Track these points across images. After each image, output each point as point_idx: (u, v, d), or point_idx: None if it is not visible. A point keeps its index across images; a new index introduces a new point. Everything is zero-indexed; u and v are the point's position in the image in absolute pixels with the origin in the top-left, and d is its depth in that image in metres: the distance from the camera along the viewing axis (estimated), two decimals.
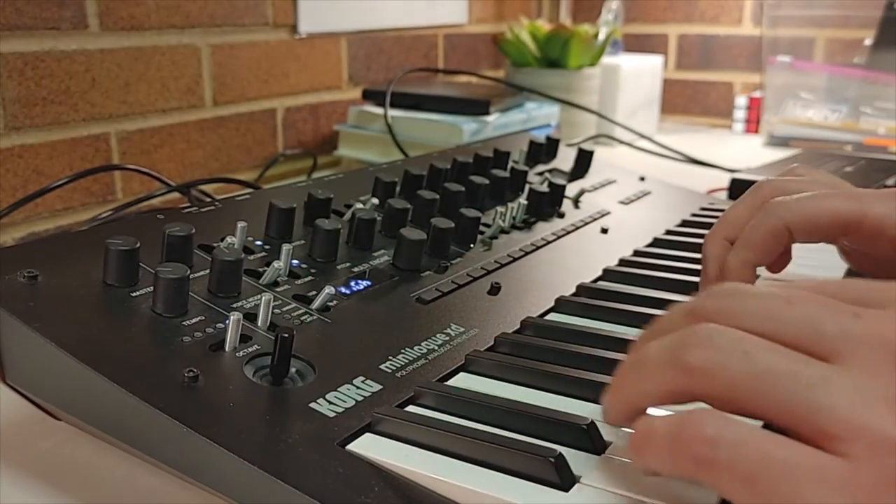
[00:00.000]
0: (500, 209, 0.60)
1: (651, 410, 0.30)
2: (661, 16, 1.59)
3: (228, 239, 0.47)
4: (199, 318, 0.39)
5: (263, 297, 0.40)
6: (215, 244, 0.46)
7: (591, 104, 1.26)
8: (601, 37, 1.26)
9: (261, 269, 0.45)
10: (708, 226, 0.69)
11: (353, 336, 0.42)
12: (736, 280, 0.38)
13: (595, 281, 0.55)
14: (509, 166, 0.70)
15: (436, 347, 0.42)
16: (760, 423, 0.26)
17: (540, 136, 0.80)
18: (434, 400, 0.36)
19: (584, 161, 0.79)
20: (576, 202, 0.70)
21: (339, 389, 0.36)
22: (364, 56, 1.20)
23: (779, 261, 0.48)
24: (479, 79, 1.33)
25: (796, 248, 0.47)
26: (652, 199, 0.76)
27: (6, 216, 0.70)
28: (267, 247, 0.49)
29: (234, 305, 0.41)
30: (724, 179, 0.92)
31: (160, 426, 0.33)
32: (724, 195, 0.86)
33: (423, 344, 0.42)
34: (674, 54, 1.59)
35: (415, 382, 0.38)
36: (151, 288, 0.40)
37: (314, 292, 0.44)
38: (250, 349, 0.38)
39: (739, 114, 1.44)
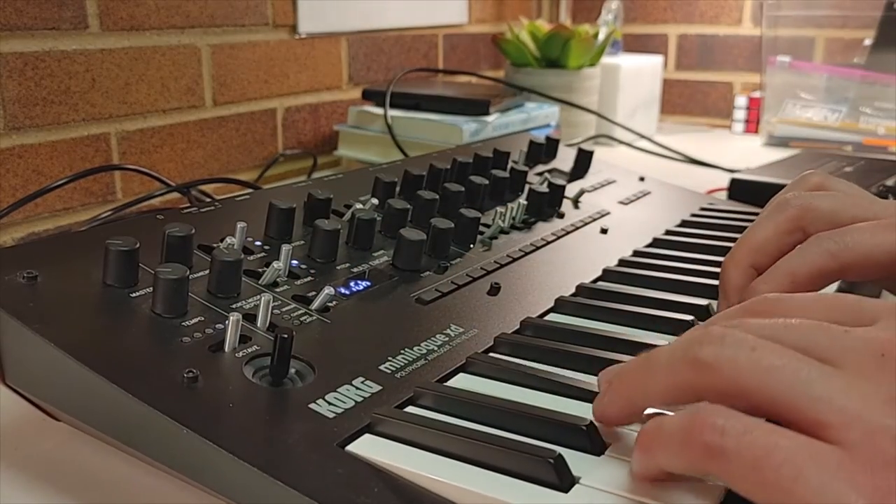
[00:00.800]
0: (499, 209, 0.60)
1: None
2: (660, 16, 1.59)
3: (228, 239, 0.47)
4: (198, 318, 0.39)
5: (263, 298, 0.40)
6: (215, 245, 0.46)
7: (590, 104, 1.26)
8: (601, 37, 1.26)
9: (260, 270, 0.45)
10: (708, 226, 0.69)
11: (353, 337, 0.42)
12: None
13: (595, 281, 0.55)
14: (509, 166, 0.70)
15: (435, 348, 0.42)
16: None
17: (540, 136, 0.80)
18: (433, 401, 0.36)
19: (583, 161, 0.79)
20: (575, 202, 0.70)
21: (338, 390, 0.36)
22: (364, 56, 1.20)
23: None
24: (478, 79, 1.33)
25: None
26: (652, 199, 0.76)
27: (6, 216, 0.70)
28: (266, 247, 0.49)
29: (234, 306, 0.41)
30: (723, 179, 0.92)
31: (159, 427, 0.33)
32: (723, 195, 0.86)
33: (422, 344, 0.42)
34: (673, 54, 1.59)
35: (414, 383, 0.38)
36: (151, 288, 0.40)
37: (314, 293, 0.44)
38: (250, 350, 0.38)
39: (739, 114, 1.44)
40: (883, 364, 0.26)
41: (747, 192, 0.84)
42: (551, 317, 0.49)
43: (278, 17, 1.04)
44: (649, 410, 0.31)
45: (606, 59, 1.32)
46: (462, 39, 1.42)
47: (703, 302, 0.49)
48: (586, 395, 0.37)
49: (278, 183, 0.90)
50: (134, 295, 0.40)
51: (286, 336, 0.36)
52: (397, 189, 0.60)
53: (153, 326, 0.38)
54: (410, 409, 0.36)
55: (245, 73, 1.01)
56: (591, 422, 0.33)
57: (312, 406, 0.35)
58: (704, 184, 0.93)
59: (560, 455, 0.31)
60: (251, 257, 0.47)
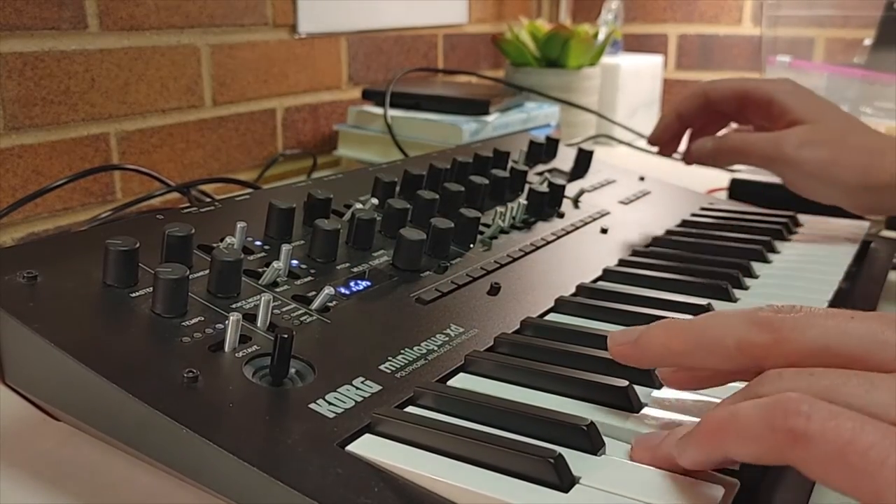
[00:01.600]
0: (499, 209, 0.60)
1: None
2: (660, 16, 1.59)
3: (228, 239, 0.47)
4: (198, 318, 0.39)
5: (263, 298, 0.40)
6: (215, 244, 0.46)
7: (590, 104, 1.26)
8: (601, 37, 1.26)
9: (260, 270, 0.45)
10: (708, 226, 0.69)
11: (353, 336, 0.42)
12: None
13: (595, 281, 0.55)
14: (509, 166, 0.70)
15: (435, 348, 0.42)
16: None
17: (540, 136, 0.80)
18: (433, 401, 0.36)
19: (583, 161, 0.79)
20: (575, 202, 0.70)
21: (338, 390, 0.36)
22: (364, 56, 1.20)
23: None
24: (478, 79, 1.33)
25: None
26: (652, 199, 0.76)
27: (6, 216, 0.70)
28: (266, 247, 0.49)
29: (234, 306, 0.41)
30: (723, 179, 0.92)
31: (159, 426, 0.33)
32: (724, 195, 0.86)
33: (422, 344, 0.42)
34: (673, 54, 1.59)
35: (414, 383, 0.38)
36: (151, 288, 0.40)
37: (314, 293, 0.44)
38: (250, 350, 0.38)
39: None
40: None
41: (747, 191, 0.84)
42: (551, 317, 0.49)
43: (278, 16, 1.04)
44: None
45: (606, 59, 1.32)
46: (462, 39, 1.42)
47: (703, 302, 0.49)
48: (586, 395, 0.37)
49: (278, 183, 0.90)
50: (134, 295, 0.40)
51: (286, 336, 0.36)
52: (397, 189, 0.60)
53: (153, 326, 0.38)
54: (410, 408, 0.36)
55: (245, 72, 1.01)
56: (592, 422, 0.33)
57: (312, 406, 0.35)
58: (704, 183, 0.93)
59: (560, 455, 0.31)
60: (251, 257, 0.47)
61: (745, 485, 0.31)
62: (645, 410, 0.37)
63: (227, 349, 0.37)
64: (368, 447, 0.33)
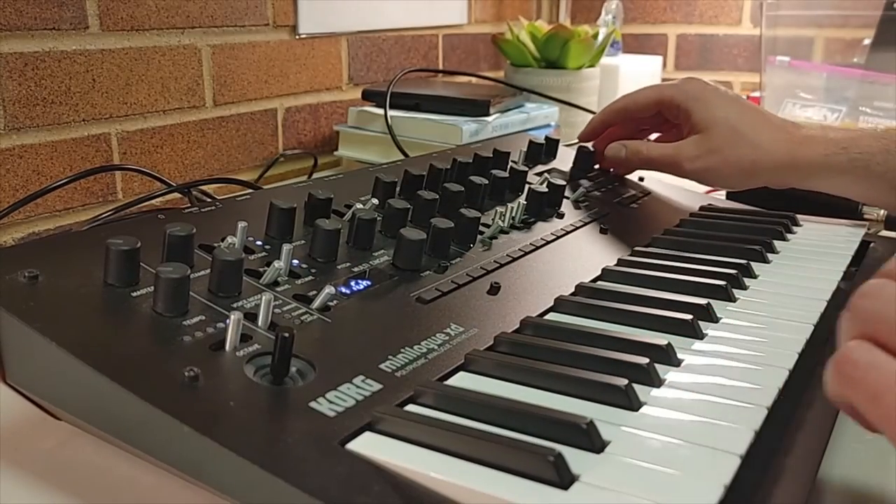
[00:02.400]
0: (499, 209, 0.60)
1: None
2: (660, 16, 1.59)
3: (229, 239, 0.47)
4: (199, 317, 0.39)
5: (264, 297, 0.40)
6: (216, 244, 0.47)
7: (590, 104, 1.26)
8: (600, 37, 1.27)
9: (261, 269, 0.45)
10: (707, 225, 0.69)
11: (353, 336, 0.42)
12: None
13: (594, 281, 0.55)
14: (509, 166, 0.70)
15: (435, 347, 0.42)
16: None
17: (539, 136, 0.80)
18: (434, 399, 0.36)
19: (583, 161, 0.79)
20: (575, 202, 0.70)
21: (339, 389, 0.36)
22: (364, 56, 1.20)
23: None
24: (478, 79, 1.33)
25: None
26: (651, 199, 0.77)
27: (6, 216, 0.70)
28: (267, 247, 0.49)
29: (235, 305, 0.42)
30: None
31: (160, 425, 0.33)
32: (723, 195, 0.86)
33: (422, 343, 0.42)
34: (673, 54, 1.59)
35: (415, 382, 0.38)
36: (152, 288, 0.40)
37: (314, 292, 0.44)
38: (251, 349, 0.38)
39: None
40: None
41: (746, 192, 0.84)
42: (551, 316, 0.49)
43: (278, 17, 1.04)
44: None
45: (606, 60, 1.32)
46: (462, 40, 1.42)
47: (702, 301, 0.49)
48: (586, 394, 0.38)
49: (279, 183, 0.90)
50: (135, 294, 0.40)
51: (287, 335, 0.36)
52: (397, 189, 0.60)
53: (154, 325, 0.38)
54: (411, 407, 0.36)
55: (245, 73, 1.01)
56: (591, 420, 0.33)
57: (313, 404, 0.35)
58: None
59: (560, 453, 0.31)
60: (252, 257, 0.47)
61: (746, 485, 0.32)
62: (644, 409, 0.37)
63: (228, 348, 0.38)
64: (369, 445, 0.33)
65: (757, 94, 1.43)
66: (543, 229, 0.62)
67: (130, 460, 0.40)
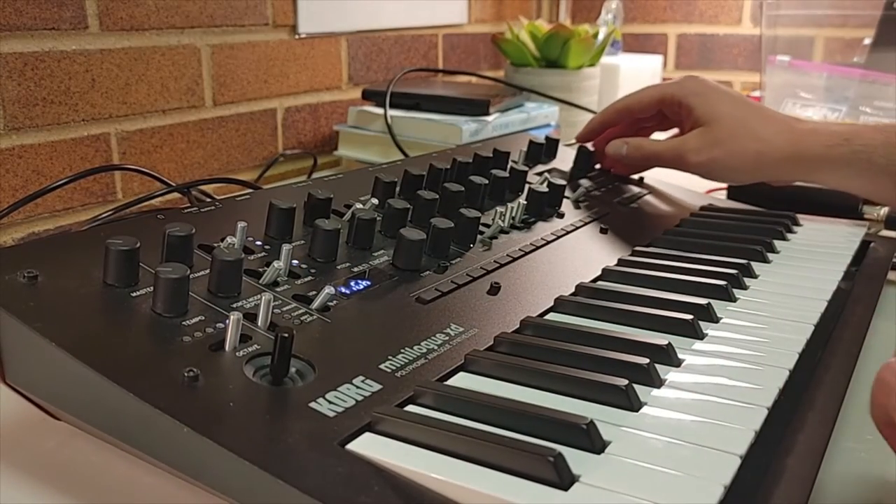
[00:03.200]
0: (499, 209, 0.60)
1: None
2: (660, 15, 1.59)
3: (228, 239, 0.47)
4: (199, 317, 0.39)
5: (263, 297, 0.40)
6: (215, 244, 0.47)
7: (590, 104, 1.26)
8: (600, 37, 1.26)
9: (261, 269, 0.45)
10: (707, 226, 0.69)
11: (353, 336, 0.42)
12: None
13: (594, 281, 0.55)
14: (509, 166, 0.70)
15: (435, 347, 0.42)
16: None
17: (539, 136, 0.80)
18: (434, 399, 0.36)
19: (583, 161, 0.79)
20: (576, 202, 0.70)
21: (338, 389, 0.36)
22: (364, 56, 1.20)
23: None
24: (478, 79, 1.33)
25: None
26: (651, 199, 0.77)
27: (6, 216, 0.70)
28: (267, 247, 0.49)
29: (234, 305, 0.41)
30: None
31: (160, 426, 0.33)
32: (723, 195, 0.86)
33: (422, 344, 0.42)
34: (673, 54, 1.59)
35: (414, 382, 0.38)
36: (151, 288, 0.40)
37: (314, 292, 0.44)
38: (250, 349, 0.38)
39: None
40: None
41: (746, 191, 0.84)
42: (551, 316, 0.49)
43: (278, 17, 1.04)
44: None
45: (606, 59, 1.32)
46: (462, 39, 1.42)
47: (702, 301, 0.49)
48: (586, 394, 0.38)
49: (278, 183, 0.90)
50: (134, 294, 0.40)
51: (287, 335, 0.36)
52: (397, 189, 0.60)
53: (154, 326, 0.38)
54: (411, 407, 0.36)
55: (245, 73, 1.01)
56: (592, 420, 0.33)
57: (313, 405, 0.35)
58: (704, 184, 0.93)
59: (560, 453, 0.31)
60: (252, 257, 0.47)
61: (746, 485, 0.32)
62: (644, 409, 0.37)
63: (227, 348, 0.37)
64: (369, 446, 0.33)
65: (757, 93, 1.43)
66: (543, 229, 0.62)
67: (130, 460, 0.40)
